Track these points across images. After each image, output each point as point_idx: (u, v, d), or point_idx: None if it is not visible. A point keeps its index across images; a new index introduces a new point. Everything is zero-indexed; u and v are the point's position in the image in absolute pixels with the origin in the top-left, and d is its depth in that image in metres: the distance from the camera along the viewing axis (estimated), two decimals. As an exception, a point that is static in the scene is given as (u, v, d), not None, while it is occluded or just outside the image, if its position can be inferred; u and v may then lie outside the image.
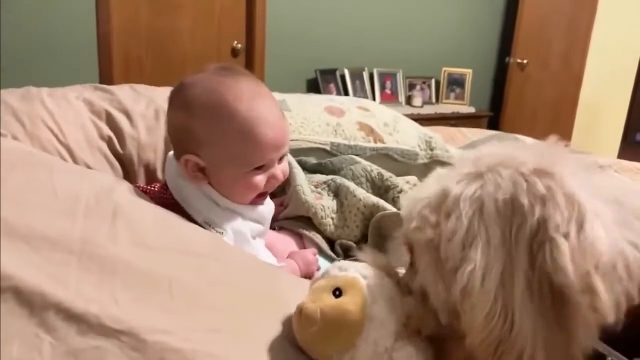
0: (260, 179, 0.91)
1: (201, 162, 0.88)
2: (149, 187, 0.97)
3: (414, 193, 0.67)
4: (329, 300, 0.62)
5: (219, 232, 0.88)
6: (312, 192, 1.18)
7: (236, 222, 0.92)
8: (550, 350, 0.52)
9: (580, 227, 0.53)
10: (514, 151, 0.60)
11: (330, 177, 1.22)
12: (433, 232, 0.59)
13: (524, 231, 0.54)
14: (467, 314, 0.55)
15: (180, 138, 0.90)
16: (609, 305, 0.51)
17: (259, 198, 0.96)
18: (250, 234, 0.93)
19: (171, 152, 0.98)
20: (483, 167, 0.59)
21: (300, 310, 0.62)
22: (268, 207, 1.00)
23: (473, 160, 0.62)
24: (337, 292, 0.63)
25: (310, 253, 1.03)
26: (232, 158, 0.88)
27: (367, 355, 0.61)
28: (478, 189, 0.57)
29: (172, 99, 0.92)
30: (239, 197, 0.93)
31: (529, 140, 1.72)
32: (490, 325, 0.53)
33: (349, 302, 0.62)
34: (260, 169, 0.90)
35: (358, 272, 0.65)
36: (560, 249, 0.52)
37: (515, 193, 0.55)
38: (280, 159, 0.94)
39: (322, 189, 1.19)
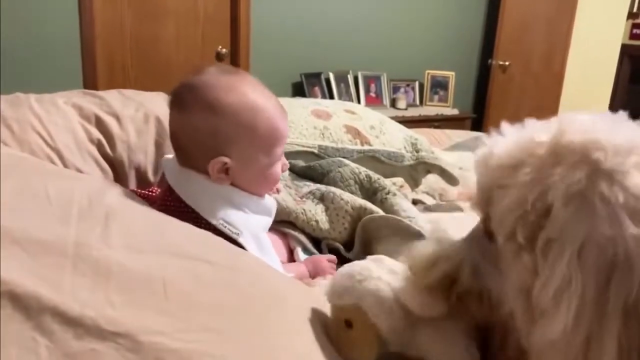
0: (279, 168, 0.97)
1: (230, 161, 0.90)
2: (146, 192, 0.98)
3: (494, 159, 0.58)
4: (343, 337, 0.68)
5: (235, 233, 0.89)
6: (293, 200, 1.19)
7: (249, 219, 0.94)
8: None
9: None
10: None
11: (315, 187, 1.23)
12: (527, 273, 0.53)
13: (624, 288, 0.47)
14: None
15: (205, 141, 0.89)
16: None
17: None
18: (261, 229, 0.96)
19: (167, 157, 0.98)
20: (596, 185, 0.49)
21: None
22: (272, 200, 1.04)
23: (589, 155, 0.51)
24: (348, 323, 0.68)
25: (324, 259, 1.04)
26: (259, 152, 0.92)
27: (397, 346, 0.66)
28: (586, 221, 0.49)
29: (187, 104, 0.90)
30: (263, 190, 0.98)
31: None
32: None
33: (359, 340, 0.67)
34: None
35: (357, 298, 0.67)
36: None
37: (626, 243, 0.47)
38: None
39: (306, 198, 1.20)
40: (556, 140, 0.54)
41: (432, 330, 0.65)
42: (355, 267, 0.70)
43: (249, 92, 0.91)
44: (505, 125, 0.61)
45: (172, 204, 0.92)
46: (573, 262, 0.48)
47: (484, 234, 0.60)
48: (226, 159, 0.89)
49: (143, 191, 0.99)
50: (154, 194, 1.02)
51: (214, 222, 0.89)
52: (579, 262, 0.48)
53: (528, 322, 0.53)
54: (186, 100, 0.90)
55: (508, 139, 0.58)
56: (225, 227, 0.89)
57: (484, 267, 0.60)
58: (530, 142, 0.56)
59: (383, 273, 0.68)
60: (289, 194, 1.20)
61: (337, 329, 0.69)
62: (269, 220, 1.01)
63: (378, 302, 0.66)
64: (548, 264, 0.50)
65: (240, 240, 0.89)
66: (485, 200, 0.58)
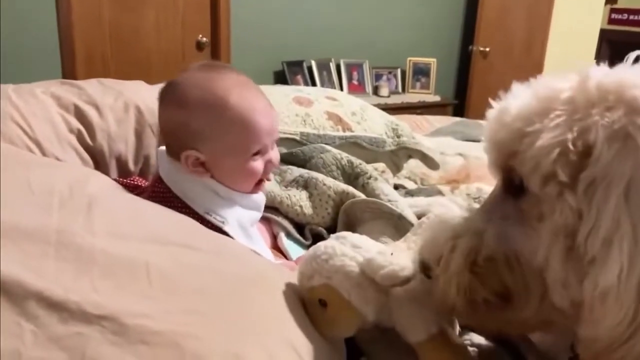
0: (258, 164, 0.96)
1: (201, 156, 0.92)
2: (128, 180, 0.98)
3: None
4: (320, 316, 0.70)
5: (220, 222, 0.91)
6: (279, 186, 1.20)
7: (237, 211, 0.95)
8: None
9: None
10: None
11: (299, 173, 1.24)
12: (571, 214, 0.50)
13: None
14: (596, 316, 0.49)
15: (177, 135, 0.93)
16: None
17: (258, 186, 1.00)
18: (249, 222, 0.97)
19: (161, 148, 1.01)
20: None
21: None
22: (261, 195, 1.05)
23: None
24: (322, 302, 0.69)
25: None
26: (230, 147, 0.93)
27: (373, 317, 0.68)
28: (631, 160, 0.47)
29: (164, 99, 0.95)
30: (242, 185, 0.98)
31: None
32: (617, 331, 0.47)
33: (336, 317, 0.69)
34: (257, 154, 0.95)
35: (326, 277, 0.69)
36: None
37: None
38: (272, 146, 0.99)
39: (291, 187, 1.21)
40: (583, 85, 0.53)
41: (403, 293, 0.66)
42: (319, 247, 0.72)
43: (222, 89, 0.91)
44: (515, 85, 0.59)
45: (160, 192, 0.94)
46: (620, 202, 0.47)
47: (505, 194, 0.59)
48: (197, 153, 0.92)
49: (125, 180, 1.00)
50: (136, 182, 1.03)
51: (199, 210, 0.91)
52: (626, 203, 0.47)
53: (567, 268, 0.51)
54: (163, 97, 0.95)
55: (522, 94, 0.57)
56: (211, 215, 0.91)
57: (509, 229, 0.57)
58: (552, 90, 0.55)
59: (347, 249, 0.70)
60: (275, 180, 1.21)
61: (313, 310, 0.71)
62: (257, 215, 1.02)
63: (346, 277, 0.67)
64: (594, 207, 0.48)
65: (226, 228, 0.91)
66: (506, 154, 0.55)
